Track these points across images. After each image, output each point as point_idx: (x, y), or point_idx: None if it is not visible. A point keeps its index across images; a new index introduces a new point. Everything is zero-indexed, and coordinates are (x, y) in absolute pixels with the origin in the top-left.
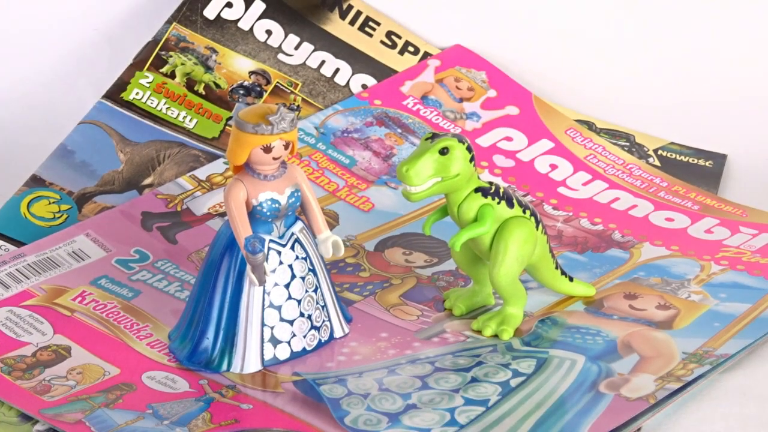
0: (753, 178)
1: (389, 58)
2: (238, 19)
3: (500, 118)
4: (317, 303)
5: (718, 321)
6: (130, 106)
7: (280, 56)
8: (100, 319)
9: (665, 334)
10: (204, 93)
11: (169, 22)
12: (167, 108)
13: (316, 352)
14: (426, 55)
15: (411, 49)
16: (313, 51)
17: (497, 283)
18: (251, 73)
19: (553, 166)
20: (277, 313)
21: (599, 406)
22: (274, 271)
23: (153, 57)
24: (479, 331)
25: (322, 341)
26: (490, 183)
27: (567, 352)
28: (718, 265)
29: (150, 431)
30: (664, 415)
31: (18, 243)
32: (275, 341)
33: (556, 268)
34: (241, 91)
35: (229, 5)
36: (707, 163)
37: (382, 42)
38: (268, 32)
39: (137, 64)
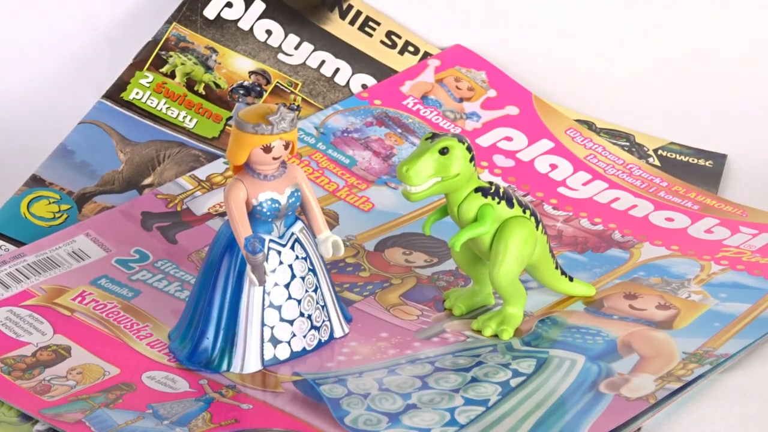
0: (753, 178)
1: (389, 58)
2: (238, 19)
3: (500, 118)
4: (317, 303)
5: (718, 321)
6: (130, 106)
7: (280, 56)
8: (100, 319)
9: (665, 334)
10: (204, 93)
11: (169, 22)
12: (167, 108)
13: (316, 352)
14: (426, 55)
15: (411, 49)
16: (313, 51)
17: (497, 283)
18: (251, 73)
19: (553, 166)
20: (277, 313)
21: (599, 406)
22: (274, 271)
23: (153, 57)
24: (479, 331)
25: (322, 341)
26: (490, 183)
27: (567, 352)
28: (718, 265)
29: (150, 431)
30: (664, 415)
31: (18, 243)
32: (275, 341)
33: (556, 268)
34: (241, 91)
35: (229, 5)
36: (707, 163)
37: (382, 42)
38: (268, 32)
39: (137, 64)
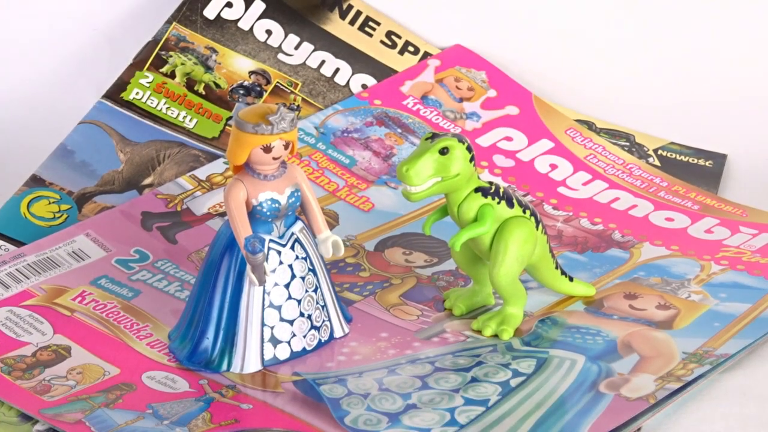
0: (753, 178)
1: (389, 58)
2: (238, 19)
3: (500, 118)
4: (317, 303)
5: (718, 321)
6: (130, 106)
7: (280, 56)
8: (100, 319)
9: (665, 334)
10: (204, 93)
11: (169, 22)
12: (167, 108)
13: (316, 352)
14: (426, 55)
15: (411, 49)
16: (313, 51)
17: (497, 283)
18: (251, 73)
19: (553, 166)
20: (277, 313)
21: (599, 406)
22: (274, 271)
23: (153, 57)
24: (479, 331)
25: (322, 341)
26: (490, 183)
27: (567, 352)
28: (718, 265)
29: (150, 431)
30: (664, 415)
31: (18, 243)
32: (275, 341)
33: (556, 268)
34: (241, 91)
35: (229, 5)
36: (707, 163)
37: (382, 42)
38: (268, 32)
39: (137, 64)
